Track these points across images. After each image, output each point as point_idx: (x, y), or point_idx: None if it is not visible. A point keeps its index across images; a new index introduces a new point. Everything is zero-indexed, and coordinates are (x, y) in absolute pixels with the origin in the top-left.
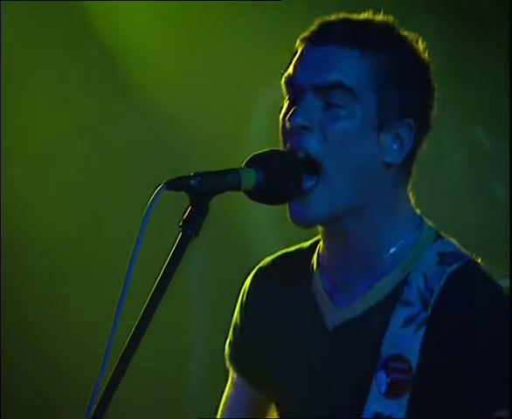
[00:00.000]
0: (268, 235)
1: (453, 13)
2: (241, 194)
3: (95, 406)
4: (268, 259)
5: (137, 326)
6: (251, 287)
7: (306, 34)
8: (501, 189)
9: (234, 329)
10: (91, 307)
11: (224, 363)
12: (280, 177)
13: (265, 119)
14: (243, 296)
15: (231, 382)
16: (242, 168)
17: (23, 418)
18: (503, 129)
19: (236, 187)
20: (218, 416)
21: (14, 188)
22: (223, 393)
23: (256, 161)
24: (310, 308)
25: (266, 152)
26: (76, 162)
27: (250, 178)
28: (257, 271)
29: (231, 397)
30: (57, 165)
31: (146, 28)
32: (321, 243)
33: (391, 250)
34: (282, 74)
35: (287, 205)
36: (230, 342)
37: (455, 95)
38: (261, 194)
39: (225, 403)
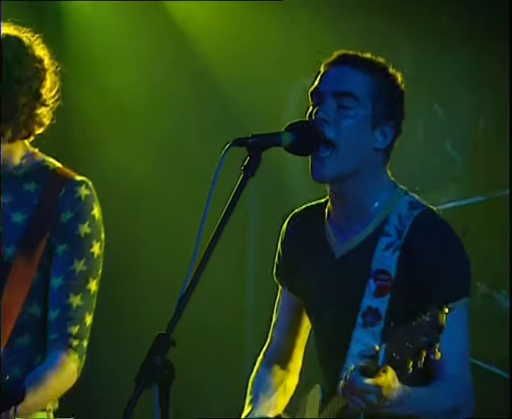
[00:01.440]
0: (302, 187)
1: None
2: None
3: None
4: (297, 210)
5: (211, 241)
6: (287, 228)
7: (328, 60)
8: (452, 148)
9: (278, 257)
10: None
11: (273, 280)
12: (307, 139)
13: (296, 99)
14: (282, 234)
15: (280, 292)
16: (282, 132)
17: None
18: (455, 103)
19: (278, 143)
20: (274, 316)
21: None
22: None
23: (292, 128)
24: (324, 244)
25: (298, 121)
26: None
27: (287, 138)
28: (291, 217)
29: (280, 302)
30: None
31: (215, 26)
32: (329, 201)
33: (376, 204)
34: (314, 83)
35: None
36: (276, 265)
37: (422, 84)
38: (294, 149)
39: (277, 306)
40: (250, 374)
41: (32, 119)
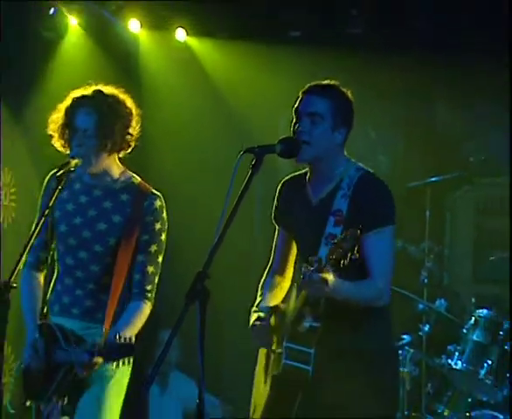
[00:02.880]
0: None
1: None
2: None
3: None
4: (287, 177)
5: (231, 213)
6: (281, 187)
7: (303, 90)
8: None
9: (275, 207)
10: None
11: (270, 229)
12: (291, 148)
13: (286, 121)
14: (278, 192)
15: (277, 230)
16: (275, 144)
17: None
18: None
19: (273, 151)
20: (274, 244)
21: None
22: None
23: (281, 141)
24: (304, 197)
25: (285, 137)
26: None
27: (278, 148)
28: (283, 182)
29: (277, 238)
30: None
31: (235, 71)
32: (308, 172)
33: (336, 171)
34: (293, 107)
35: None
36: (274, 213)
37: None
38: (283, 154)
39: (276, 239)
40: (259, 281)
41: (123, 140)
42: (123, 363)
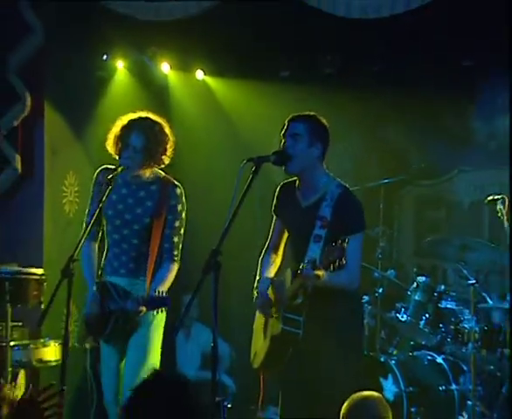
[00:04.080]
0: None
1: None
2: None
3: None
4: (284, 181)
5: (237, 207)
6: (280, 188)
7: (288, 118)
8: (390, 132)
9: (275, 203)
10: None
11: (269, 221)
12: (280, 158)
13: (278, 140)
14: (277, 194)
15: (275, 219)
16: (270, 155)
17: None
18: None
19: (268, 161)
20: (271, 229)
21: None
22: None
23: (274, 153)
24: (296, 200)
25: (276, 150)
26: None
27: (272, 157)
28: (281, 185)
29: (274, 225)
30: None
31: (244, 105)
32: (297, 180)
33: (320, 184)
34: (281, 130)
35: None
36: (274, 207)
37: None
38: (276, 163)
39: (273, 225)
40: (259, 256)
41: (161, 160)
42: (161, 311)
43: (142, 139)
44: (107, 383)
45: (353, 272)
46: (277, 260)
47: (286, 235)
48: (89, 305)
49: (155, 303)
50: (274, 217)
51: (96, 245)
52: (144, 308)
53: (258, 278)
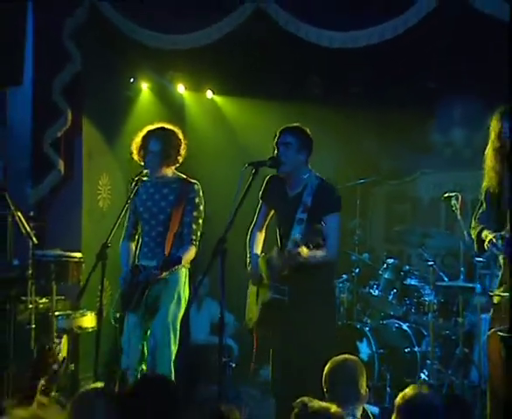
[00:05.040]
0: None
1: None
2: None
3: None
4: (270, 175)
5: (239, 203)
6: (267, 181)
7: (280, 129)
8: (365, 142)
9: (263, 190)
10: None
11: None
12: (275, 162)
13: (271, 148)
14: (266, 182)
15: (261, 204)
16: (266, 160)
17: None
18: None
19: (265, 165)
20: (257, 212)
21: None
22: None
23: (270, 158)
24: (284, 191)
25: (272, 156)
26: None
27: (268, 162)
28: (271, 176)
29: (260, 208)
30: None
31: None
32: (285, 177)
33: (303, 179)
34: (274, 139)
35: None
36: (262, 194)
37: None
38: (271, 166)
39: (259, 208)
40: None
41: (176, 160)
42: (176, 270)
43: (159, 144)
44: (130, 351)
45: (331, 247)
46: (261, 238)
47: (269, 218)
48: (123, 282)
49: (168, 263)
50: (260, 202)
51: (133, 244)
52: (163, 271)
53: (248, 255)
